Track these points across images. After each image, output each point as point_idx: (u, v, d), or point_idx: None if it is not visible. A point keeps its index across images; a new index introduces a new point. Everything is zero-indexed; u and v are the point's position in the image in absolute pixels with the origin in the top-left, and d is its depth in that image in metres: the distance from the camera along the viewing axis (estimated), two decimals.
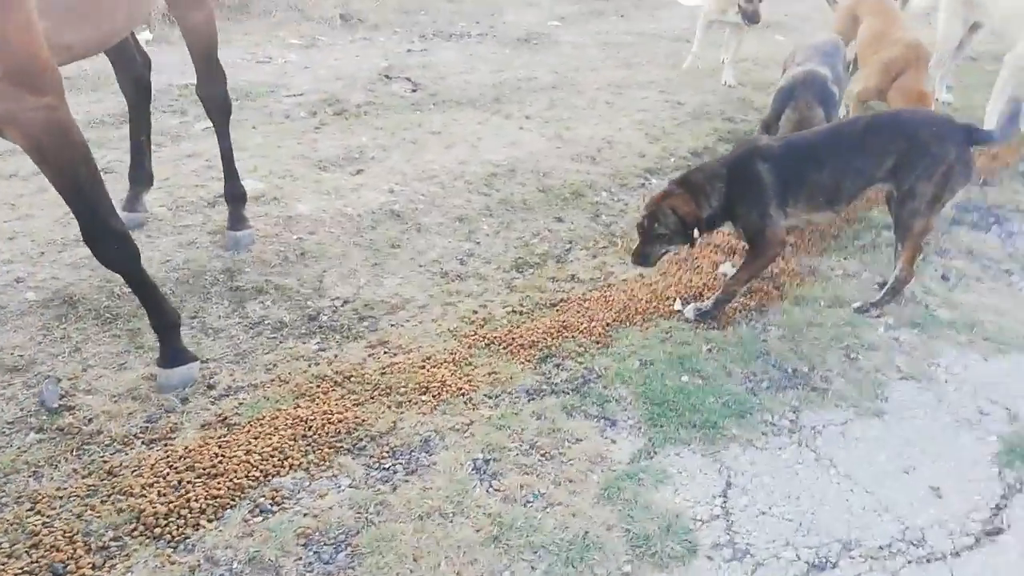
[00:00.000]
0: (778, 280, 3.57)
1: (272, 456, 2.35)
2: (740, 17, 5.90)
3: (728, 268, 3.62)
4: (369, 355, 3.00)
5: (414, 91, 5.99)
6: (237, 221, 3.68)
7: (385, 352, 3.02)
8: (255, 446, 2.39)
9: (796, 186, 3.17)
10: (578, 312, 3.31)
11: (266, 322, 3.20)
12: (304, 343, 3.07)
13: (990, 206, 4.49)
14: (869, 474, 2.39)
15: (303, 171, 4.53)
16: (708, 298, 3.31)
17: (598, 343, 3.08)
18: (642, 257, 3.19)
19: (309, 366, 2.91)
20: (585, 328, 3.17)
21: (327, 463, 2.35)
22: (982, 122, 5.60)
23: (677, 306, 3.35)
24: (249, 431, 2.48)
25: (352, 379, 2.81)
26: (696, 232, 3.10)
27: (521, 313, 3.33)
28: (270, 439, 2.42)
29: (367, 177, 4.52)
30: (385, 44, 7.39)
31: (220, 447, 2.39)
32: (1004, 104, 5.78)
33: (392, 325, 3.22)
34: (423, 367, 2.88)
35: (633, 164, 4.88)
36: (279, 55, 6.88)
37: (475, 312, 3.33)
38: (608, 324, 3.20)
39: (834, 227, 4.13)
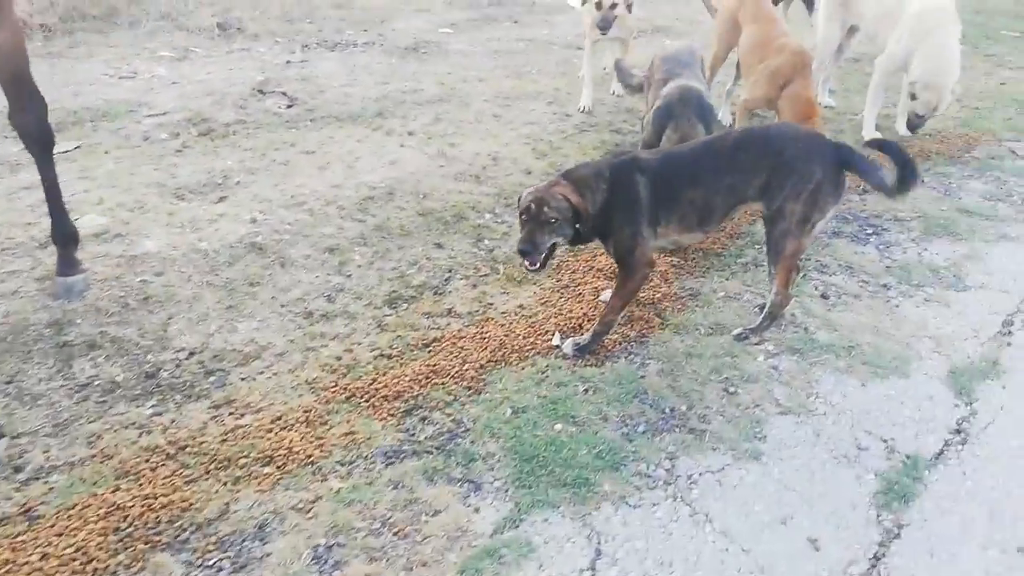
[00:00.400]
0: (659, 306, 3.45)
1: (73, 560, 2.01)
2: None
3: (608, 295, 3.47)
4: (212, 418, 2.68)
5: (290, 107, 5.64)
6: (67, 265, 3.29)
7: (230, 413, 2.71)
8: (55, 547, 2.05)
9: (669, 203, 3.04)
10: (451, 353, 3.08)
11: (95, 383, 2.83)
12: (137, 407, 2.73)
13: (868, 215, 4.51)
14: (746, 528, 2.26)
15: (156, 201, 4.13)
16: (587, 331, 3.14)
17: (469, 389, 2.86)
18: (531, 244, 2.87)
19: (140, 435, 2.58)
20: (456, 372, 2.94)
21: (139, 563, 2.03)
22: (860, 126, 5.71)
23: (555, 341, 3.17)
24: (52, 526, 2.14)
25: (187, 450, 2.49)
26: (580, 227, 2.92)
27: (390, 357, 3.07)
28: (75, 536, 2.08)
29: (229, 205, 4.16)
30: (264, 55, 6.97)
31: (13, 550, 2.04)
32: (872, 113, 5.98)
33: (243, 379, 2.91)
34: (270, 430, 2.59)
35: (519, 182, 4.68)
36: (146, 69, 6.38)
37: (338, 359, 3.05)
38: (482, 367, 2.99)
39: (718, 243, 4.05)
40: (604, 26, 5.51)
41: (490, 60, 7.24)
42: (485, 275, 3.77)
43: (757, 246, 4.02)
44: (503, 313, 3.42)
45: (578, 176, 3.02)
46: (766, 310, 3.18)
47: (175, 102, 5.58)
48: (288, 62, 6.70)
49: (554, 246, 2.97)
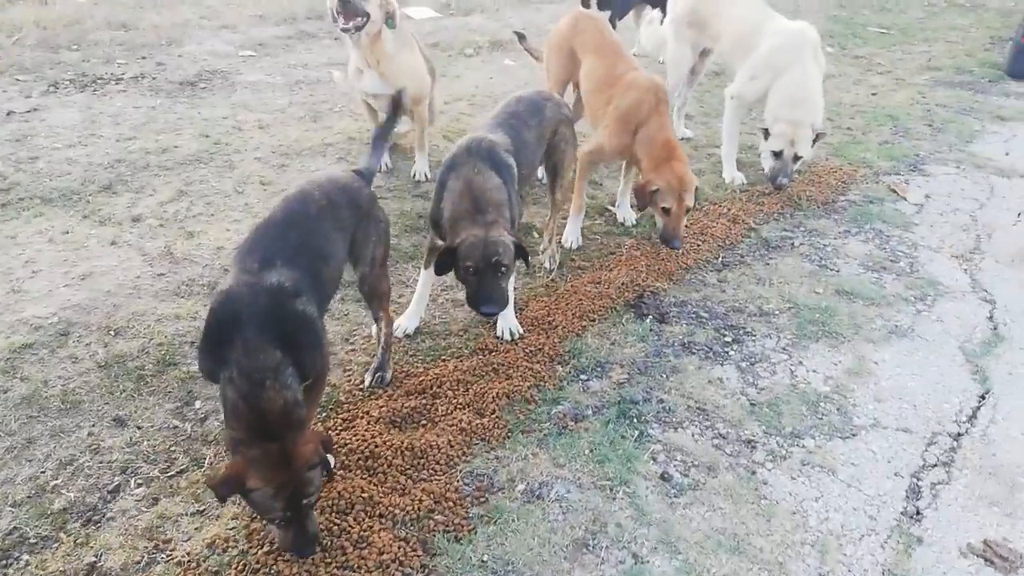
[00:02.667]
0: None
1: None
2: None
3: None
4: None
5: None
6: None
7: None
8: None
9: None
10: None
11: None
12: None
13: (727, 310, 3.50)
14: None
15: None
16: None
17: None
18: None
19: None
20: None
21: None
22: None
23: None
24: None
25: None
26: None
27: None
28: None
29: None
30: None
31: None
32: (731, 150, 5.04)
33: None
34: None
35: None
36: None
37: None
38: None
39: None
40: (347, 7, 3.92)
41: (286, 95, 5.88)
42: (179, 473, 2.50)
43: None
44: (183, 563, 2.17)
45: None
46: (382, 345, 2.87)
47: None
48: (9, 113, 5.14)
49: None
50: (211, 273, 3.51)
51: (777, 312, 3.51)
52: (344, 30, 4.03)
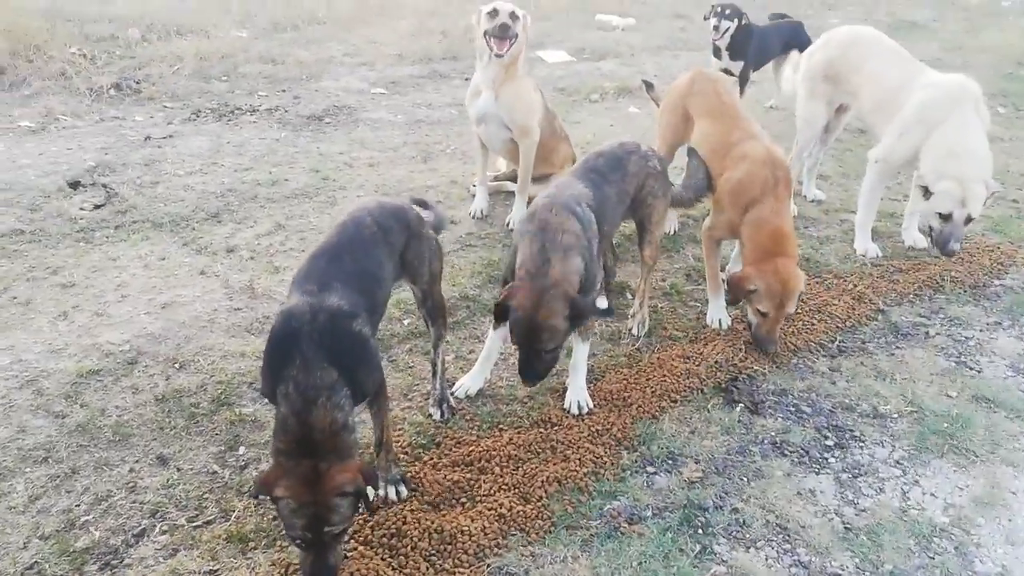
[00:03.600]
0: None
1: None
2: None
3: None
4: None
5: (99, 207, 4.39)
6: None
7: None
8: None
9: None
10: None
11: None
12: None
13: (834, 406, 3.03)
14: None
15: None
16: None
17: None
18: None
19: None
20: None
21: None
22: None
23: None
24: None
25: None
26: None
27: None
28: None
29: None
30: (127, 127, 5.77)
31: None
32: (868, 219, 4.47)
33: None
34: None
35: None
36: None
37: None
38: None
39: None
40: (505, 32, 4.02)
41: (403, 134, 5.93)
42: (205, 524, 2.40)
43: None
44: None
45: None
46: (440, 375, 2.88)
47: None
48: (147, 138, 5.49)
49: None
50: None
51: (896, 415, 3.00)
52: (499, 56, 4.08)
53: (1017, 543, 2.44)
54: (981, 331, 3.63)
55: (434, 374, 2.92)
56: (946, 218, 3.81)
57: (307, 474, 1.94)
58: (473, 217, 4.44)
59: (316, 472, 1.94)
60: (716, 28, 6.00)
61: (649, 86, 4.67)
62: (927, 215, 3.94)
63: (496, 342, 3.03)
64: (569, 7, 10.77)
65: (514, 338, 2.55)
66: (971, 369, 3.32)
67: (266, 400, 2.90)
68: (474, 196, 4.56)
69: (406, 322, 3.45)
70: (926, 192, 3.85)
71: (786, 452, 2.79)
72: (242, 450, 2.72)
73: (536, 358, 2.55)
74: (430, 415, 2.89)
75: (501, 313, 2.59)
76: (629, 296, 3.85)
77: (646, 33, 9.77)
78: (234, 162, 5.16)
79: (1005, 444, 2.86)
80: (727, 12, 6.00)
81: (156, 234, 4.13)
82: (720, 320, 3.55)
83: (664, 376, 3.21)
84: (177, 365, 3.08)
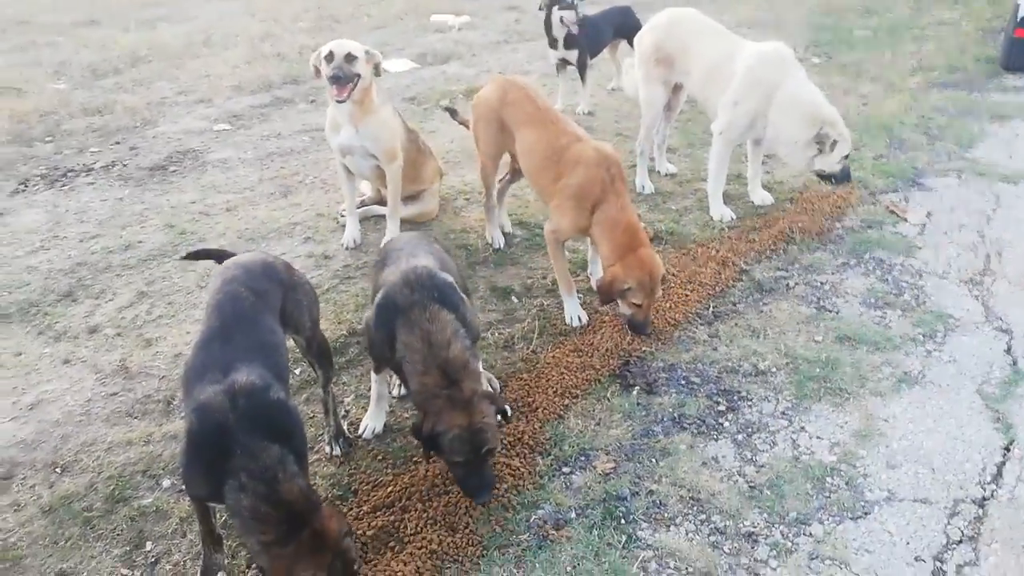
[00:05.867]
0: None
1: None
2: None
3: None
4: None
5: None
6: None
7: None
8: None
9: None
10: None
11: None
12: None
13: (720, 371, 3.23)
14: None
15: None
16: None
17: None
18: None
19: None
20: None
21: None
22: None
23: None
24: None
25: None
26: None
27: None
28: None
29: None
30: None
31: None
32: (718, 188, 4.76)
33: None
34: None
35: None
36: None
37: None
38: None
39: None
40: (339, 80, 3.93)
41: (257, 170, 5.74)
42: None
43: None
44: None
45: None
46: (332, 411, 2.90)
47: None
48: None
49: None
50: (167, 386, 3.32)
51: (774, 369, 3.25)
52: (340, 102, 4.00)
53: (896, 466, 2.71)
54: (832, 274, 3.97)
55: (327, 412, 2.92)
56: (847, 157, 4.25)
57: (312, 543, 1.95)
58: (347, 248, 4.38)
59: (316, 535, 1.96)
60: (565, 20, 6.07)
61: (453, 112, 4.77)
62: (827, 164, 4.23)
63: (382, 384, 3.01)
64: (403, 12, 10.73)
65: (460, 460, 2.46)
66: (830, 312, 3.63)
67: (169, 488, 2.80)
68: (344, 227, 4.49)
69: (297, 371, 3.38)
70: (829, 145, 4.14)
71: (685, 425, 2.96)
72: (149, 545, 2.59)
73: (483, 466, 2.49)
74: (328, 453, 2.88)
75: (431, 444, 2.49)
76: (514, 299, 3.94)
77: (483, 29, 9.88)
78: (78, 231, 4.82)
79: (870, 377, 3.16)
80: (565, 2, 6.13)
81: (5, 327, 3.81)
82: (578, 317, 3.68)
83: (562, 374, 3.31)
84: (59, 469, 2.88)
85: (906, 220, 4.46)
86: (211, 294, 2.45)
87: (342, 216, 4.57)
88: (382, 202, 4.55)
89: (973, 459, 2.73)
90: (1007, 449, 2.78)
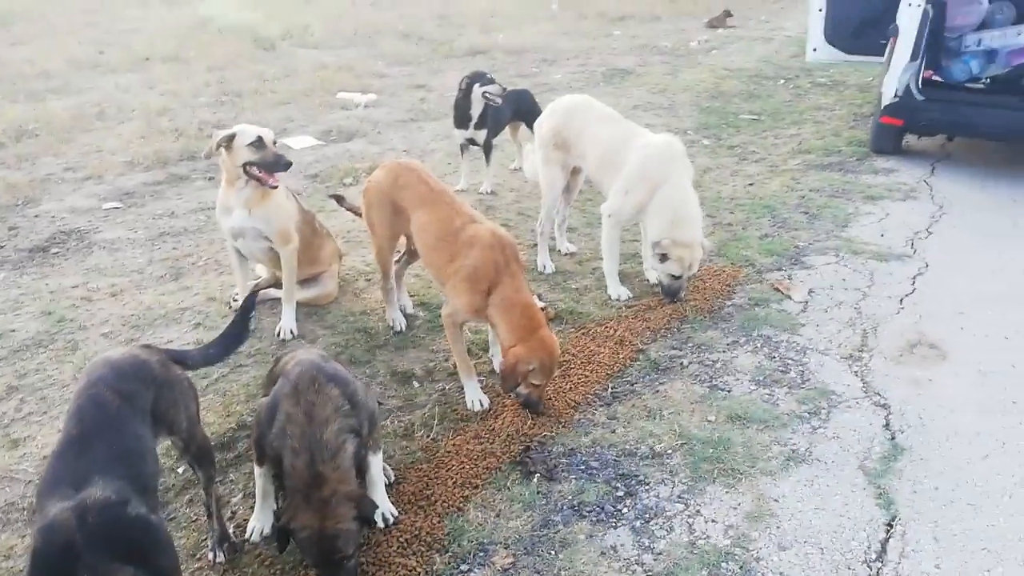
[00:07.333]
0: None
1: None
2: None
3: None
4: None
5: None
6: None
7: None
8: None
9: None
10: None
11: None
12: None
13: (618, 454, 3.25)
14: None
15: None
16: None
17: None
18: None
19: None
20: None
21: None
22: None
23: None
24: None
25: None
26: None
27: None
28: None
29: None
30: None
31: None
32: (613, 267, 4.84)
33: None
34: None
35: None
36: None
37: None
38: None
39: None
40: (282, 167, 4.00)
41: (147, 252, 5.52)
42: None
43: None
44: None
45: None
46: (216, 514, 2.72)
47: None
48: None
49: None
50: (34, 492, 3.05)
51: (670, 451, 3.29)
52: (274, 187, 4.00)
53: (787, 547, 2.76)
54: (724, 352, 4.10)
55: (210, 515, 2.75)
56: (677, 277, 4.45)
57: None
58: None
59: None
60: (489, 95, 6.17)
61: (339, 199, 4.80)
62: (661, 272, 4.53)
63: (267, 479, 2.88)
64: (309, 88, 10.75)
65: (308, 559, 2.41)
66: (722, 391, 3.74)
67: None
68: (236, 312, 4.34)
69: (180, 470, 3.18)
70: (663, 257, 4.41)
71: (584, 513, 2.94)
72: None
73: (340, 572, 2.41)
74: (211, 561, 2.71)
75: (284, 537, 2.44)
76: (416, 384, 3.88)
77: (389, 107, 10.00)
78: None
79: (761, 456, 3.24)
80: (487, 77, 6.29)
81: None
82: (479, 401, 3.66)
83: (463, 462, 3.25)
84: None
85: (790, 297, 4.69)
86: (73, 397, 2.30)
87: (235, 301, 4.43)
88: (278, 285, 4.45)
89: (859, 537, 2.82)
90: (889, 525, 2.88)
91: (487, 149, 6.62)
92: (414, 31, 15.63)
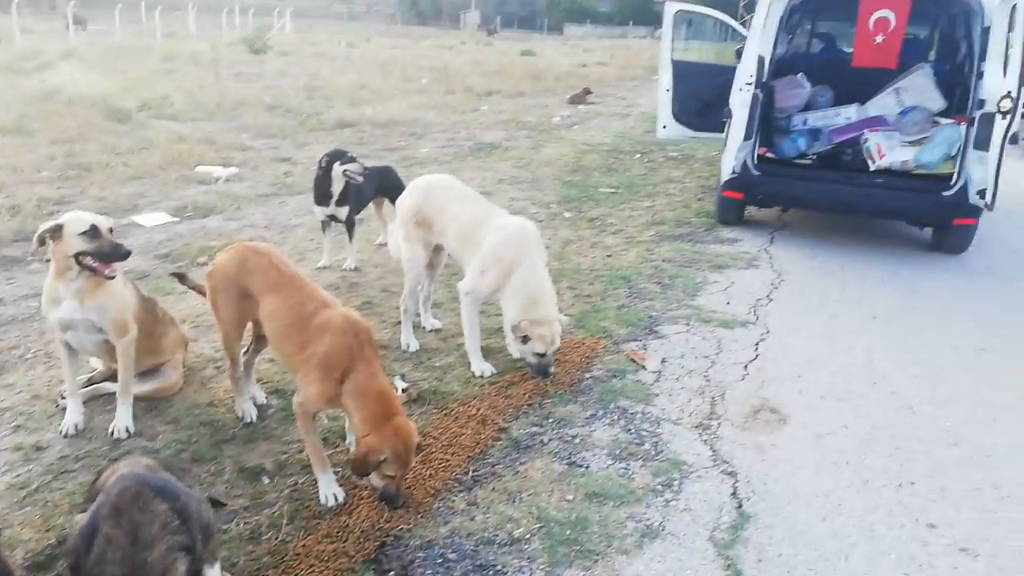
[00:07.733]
0: None
1: None
2: None
3: None
4: None
5: None
6: None
7: None
8: None
9: None
10: None
11: None
12: None
13: (477, 539, 3.18)
14: None
15: None
16: None
17: None
18: None
19: None
20: None
21: None
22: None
23: None
24: None
25: None
26: None
27: None
28: None
29: None
30: None
31: None
32: (475, 343, 4.89)
33: None
34: None
35: None
36: None
37: None
38: None
39: None
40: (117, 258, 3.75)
41: None
42: None
43: None
44: None
45: None
46: None
47: None
48: None
49: None
50: None
51: (528, 536, 3.25)
52: (110, 277, 3.75)
53: None
54: (583, 426, 4.16)
55: None
56: (542, 355, 4.52)
57: None
58: (66, 436, 3.86)
59: None
60: (350, 172, 6.12)
61: (182, 277, 4.62)
62: (525, 353, 4.59)
63: None
64: (164, 162, 10.32)
65: None
66: (580, 467, 3.76)
67: None
68: (65, 410, 3.98)
69: None
70: (525, 339, 4.49)
71: None
72: None
73: None
74: None
75: None
76: (266, 480, 3.66)
77: (251, 181, 9.75)
78: None
79: (616, 534, 3.26)
80: (347, 156, 6.25)
81: None
82: (334, 495, 3.51)
83: (312, 566, 3.08)
84: None
85: (644, 367, 4.85)
86: None
87: (63, 399, 4.06)
88: (114, 378, 4.12)
89: None
90: None
91: (349, 226, 6.56)
92: (281, 103, 15.49)
